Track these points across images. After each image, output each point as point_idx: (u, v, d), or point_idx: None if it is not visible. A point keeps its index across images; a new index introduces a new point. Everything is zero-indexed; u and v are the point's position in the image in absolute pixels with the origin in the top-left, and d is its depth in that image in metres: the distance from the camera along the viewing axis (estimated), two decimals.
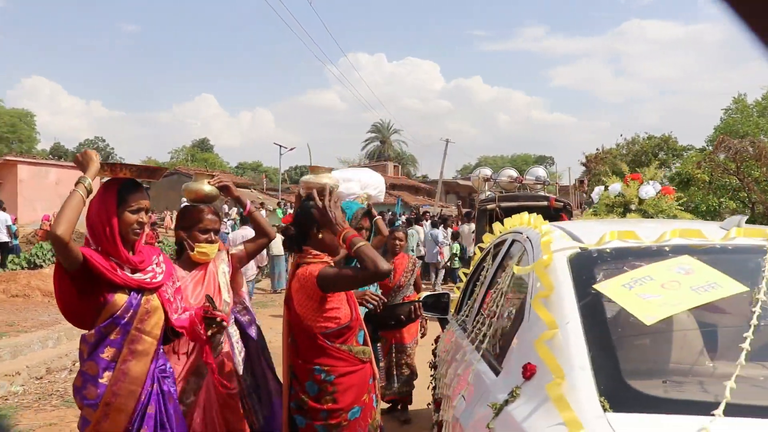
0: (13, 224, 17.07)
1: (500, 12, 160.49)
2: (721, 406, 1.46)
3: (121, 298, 2.55)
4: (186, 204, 3.41)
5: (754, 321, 1.71)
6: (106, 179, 2.74)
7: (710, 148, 21.77)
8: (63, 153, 58.60)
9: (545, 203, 9.36)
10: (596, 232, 2.30)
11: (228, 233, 12.84)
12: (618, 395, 1.59)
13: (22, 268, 13.94)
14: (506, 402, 1.83)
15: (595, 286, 1.96)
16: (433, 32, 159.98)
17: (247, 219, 8.25)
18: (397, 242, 5.95)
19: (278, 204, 28.56)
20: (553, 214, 8.93)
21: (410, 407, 6.01)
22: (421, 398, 5.51)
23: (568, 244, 2.27)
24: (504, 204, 10.29)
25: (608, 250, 2.21)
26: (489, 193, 12.38)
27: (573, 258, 2.16)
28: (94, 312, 2.54)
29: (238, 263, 3.39)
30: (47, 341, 8.60)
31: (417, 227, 16.81)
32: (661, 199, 3.59)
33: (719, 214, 17.58)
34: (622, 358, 1.79)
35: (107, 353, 2.53)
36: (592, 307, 1.91)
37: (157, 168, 2.88)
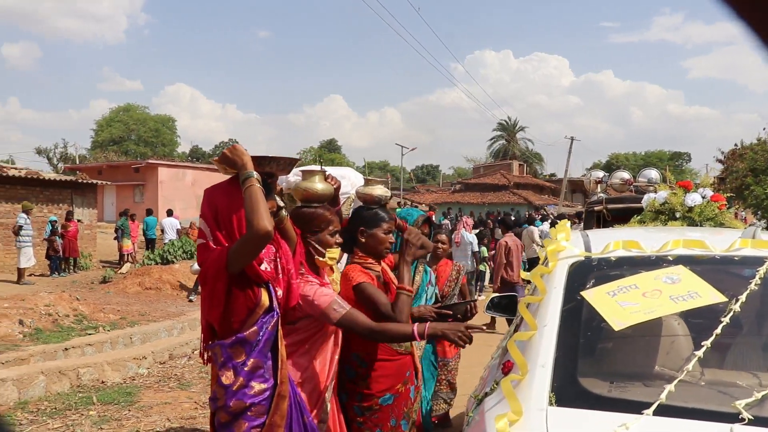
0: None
1: (632, 1, 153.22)
2: (653, 407, 1.60)
3: (264, 293, 2.52)
4: (302, 206, 3.10)
5: (717, 331, 1.80)
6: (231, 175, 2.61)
7: None
8: (200, 155, 62.65)
9: None
10: (605, 241, 2.43)
11: None
12: (566, 392, 1.76)
13: (156, 263, 15.33)
14: (486, 394, 2.04)
15: (582, 293, 2.11)
16: (561, 26, 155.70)
17: None
18: (440, 246, 5.45)
19: (398, 204, 29.01)
20: None
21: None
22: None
23: (576, 252, 2.41)
24: (610, 206, 10.16)
25: (610, 259, 2.34)
26: (602, 194, 12.18)
27: (574, 265, 2.31)
28: (245, 311, 2.46)
29: None
30: (172, 330, 9.49)
31: (531, 228, 16.66)
32: (708, 206, 3.58)
33: None
34: (583, 360, 1.95)
35: (267, 345, 2.50)
36: (573, 312, 2.06)
37: (296, 159, 2.80)
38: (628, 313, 1.93)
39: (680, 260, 2.22)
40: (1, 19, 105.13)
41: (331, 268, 3.13)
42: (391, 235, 3.26)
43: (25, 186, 17.99)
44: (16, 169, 19.36)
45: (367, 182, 3.74)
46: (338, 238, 3.00)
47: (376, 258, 3.24)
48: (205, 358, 2.63)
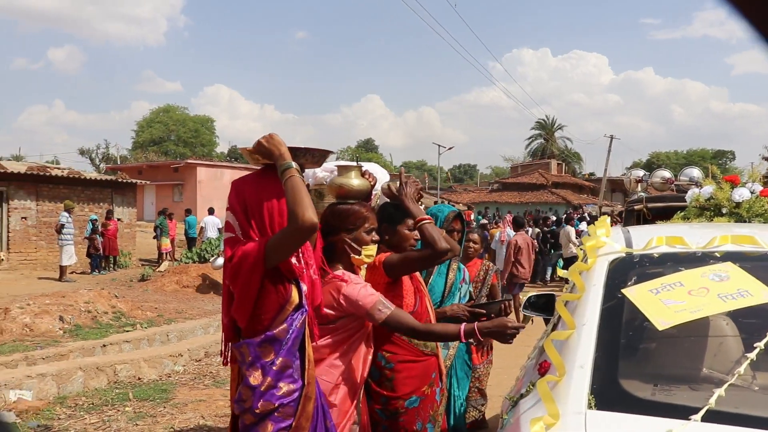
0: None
1: None
2: (701, 412, 1.49)
3: (294, 289, 2.42)
4: (337, 202, 2.99)
5: None
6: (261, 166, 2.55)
7: None
8: (238, 155, 63.36)
9: None
10: (648, 237, 2.31)
11: None
12: (606, 394, 1.65)
13: (194, 262, 15.51)
14: (521, 396, 1.94)
15: (623, 290, 2.00)
16: (600, 23, 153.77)
17: None
18: (471, 245, 5.17)
19: (435, 203, 28.80)
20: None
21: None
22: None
23: (617, 248, 2.30)
24: (651, 205, 9.97)
25: (653, 255, 2.22)
26: (642, 193, 11.98)
27: (614, 262, 2.20)
28: (276, 307, 2.37)
29: None
30: (209, 328, 9.53)
31: (568, 227, 16.50)
32: (757, 201, 3.40)
33: None
34: (625, 361, 1.84)
35: (296, 344, 2.40)
36: (613, 311, 1.95)
37: (329, 152, 2.71)
38: (673, 312, 1.82)
39: (728, 257, 2.10)
40: (47, 25, 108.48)
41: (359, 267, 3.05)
42: (416, 231, 3.13)
43: (68, 185, 18.41)
44: (59, 169, 19.80)
45: (391, 178, 3.66)
46: (374, 236, 2.89)
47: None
48: (228, 358, 2.54)
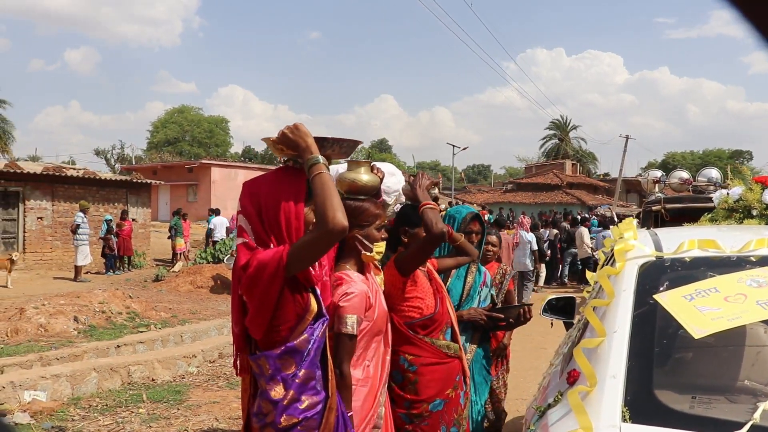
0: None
1: None
2: (745, 428, 1.40)
3: (312, 297, 2.29)
4: (347, 198, 2.83)
5: None
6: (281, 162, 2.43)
7: None
8: (252, 156, 63.51)
9: (711, 204, 8.79)
10: (678, 240, 2.22)
11: None
12: (641, 407, 1.57)
13: (208, 262, 15.50)
14: (549, 406, 1.86)
15: (655, 296, 1.91)
16: (614, 23, 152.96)
17: None
18: (490, 248, 4.92)
19: (449, 203, 28.65)
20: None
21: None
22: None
23: (646, 251, 2.21)
24: (669, 206, 9.87)
25: (684, 260, 2.13)
26: (660, 194, 11.90)
27: (644, 266, 2.11)
28: (294, 317, 2.23)
29: None
30: (222, 329, 9.48)
31: (582, 228, 16.37)
32: None
33: None
34: (660, 371, 1.75)
35: (317, 355, 2.29)
36: (645, 318, 1.87)
37: (359, 142, 2.58)
38: (709, 319, 1.73)
39: (766, 261, 2.00)
40: (64, 26, 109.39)
41: (378, 267, 2.97)
42: None
43: (83, 186, 18.51)
44: (74, 169, 19.91)
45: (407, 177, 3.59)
46: (384, 233, 2.83)
47: None
48: (238, 368, 2.44)
